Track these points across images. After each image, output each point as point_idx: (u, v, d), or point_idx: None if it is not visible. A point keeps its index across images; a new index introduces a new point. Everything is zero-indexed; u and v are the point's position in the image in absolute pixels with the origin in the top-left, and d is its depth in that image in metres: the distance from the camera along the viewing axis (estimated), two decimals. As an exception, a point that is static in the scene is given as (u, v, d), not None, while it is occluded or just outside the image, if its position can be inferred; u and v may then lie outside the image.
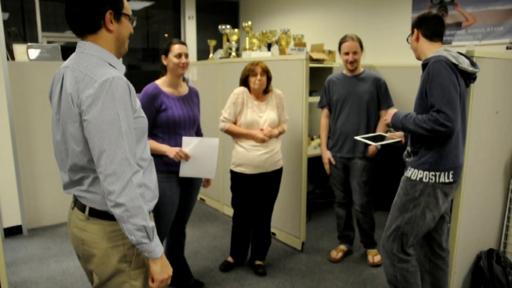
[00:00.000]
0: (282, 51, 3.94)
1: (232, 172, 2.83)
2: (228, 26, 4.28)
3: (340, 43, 2.98)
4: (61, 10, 6.10)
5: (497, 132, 2.45)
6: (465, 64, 1.93)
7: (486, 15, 4.10)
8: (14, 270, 3.06)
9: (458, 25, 4.33)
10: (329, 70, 3.98)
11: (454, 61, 1.91)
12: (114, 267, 1.38)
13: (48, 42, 5.90)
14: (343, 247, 3.28)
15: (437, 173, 1.99)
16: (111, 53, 1.36)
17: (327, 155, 3.13)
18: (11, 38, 4.14)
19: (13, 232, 3.69)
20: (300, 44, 4.02)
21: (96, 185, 1.34)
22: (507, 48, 3.65)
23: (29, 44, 3.84)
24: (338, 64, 4.03)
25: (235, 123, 2.75)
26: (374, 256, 3.14)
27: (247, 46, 4.11)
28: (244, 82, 2.77)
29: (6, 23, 3.83)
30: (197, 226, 3.93)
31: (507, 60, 2.40)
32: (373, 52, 4.47)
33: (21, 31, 5.68)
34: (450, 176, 2.00)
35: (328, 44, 4.38)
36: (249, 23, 4.16)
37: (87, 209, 1.38)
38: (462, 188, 2.22)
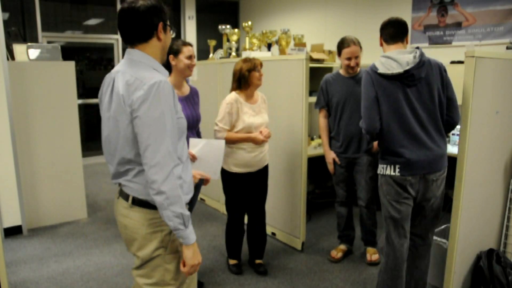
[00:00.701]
0: (282, 51, 3.94)
1: (230, 173, 2.81)
2: (228, 26, 4.28)
3: (341, 48, 2.92)
4: (61, 10, 6.11)
5: (497, 132, 2.45)
6: (386, 69, 2.11)
7: (486, 15, 4.10)
8: (14, 270, 3.06)
9: (458, 25, 4.33)
10: (329, 70, 3.98)
11: (378, 67, 2.14)
12: (152, 251, 1.53)
13: (48, 42, 5.90)
14: (343, 246, 3.28)
15: (385, 166, 2.24)
16: (156, 60, 1.51)
17: (331, 155, 3.11)
18: (11, 38, 4.14)
19: (13, 232, 3.69)
20: (300, 44, 4.02)
21: (140, 176, 1.49)
22: (507, 48, 3.65)
23: (29, 44, 3.84)
24: (338, 64, 4.03)
25: (229, 130, 2.74)
26: (372, 255, 3.15)
27: (247, 46, 4.11)
28: (244, 79, 2.70)
29: (6, 23, 3.82)
30: (197, 226, 3.93)
31: (507, 60, 2.39)
32: (373, 52, 4.46)
33: (21, 31, 5.68)
34: (397, 170, 2.18)
35: (328, 44, 4.38)
36: (249, 23, 4.16)
37: (130, 198, 1.53)
38: (462, 188, 2.22)
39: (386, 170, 2.23)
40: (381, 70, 2.13)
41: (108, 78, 1.54)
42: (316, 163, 3.81)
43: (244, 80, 2.70)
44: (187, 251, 1.48)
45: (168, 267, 1.56)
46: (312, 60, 3.71)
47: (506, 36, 3.97)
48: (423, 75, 2.12)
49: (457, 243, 2.29)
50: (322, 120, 3.15)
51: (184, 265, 1.51)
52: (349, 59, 2.91)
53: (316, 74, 3.91)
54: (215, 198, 4.42)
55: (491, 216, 2.59)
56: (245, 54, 3.92)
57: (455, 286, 2.38)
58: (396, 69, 2.10)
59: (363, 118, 2.22)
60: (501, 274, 2.43)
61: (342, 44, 2.91)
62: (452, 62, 3.93)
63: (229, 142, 2.72)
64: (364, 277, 2.95)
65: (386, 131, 2.19)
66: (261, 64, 2.73)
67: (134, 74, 1.42)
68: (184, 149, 1.55)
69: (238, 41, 4.34)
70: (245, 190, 2.88)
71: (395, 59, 2.11)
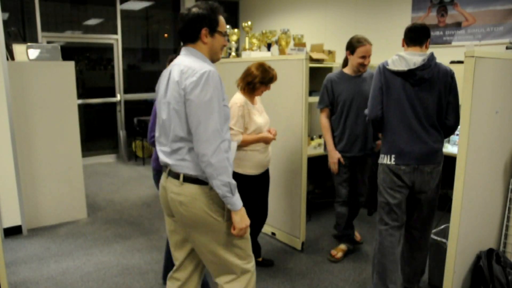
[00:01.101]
0: (281, 51, 3.94)
1: (245, 177, 2.77)
2: (228, 26, 4.28)
3: (356, 47, 2.92)
4: (60, 10, 6.11)
5: (497, 132, 2.45)
6: (394, 66, 2.35)
7: (486, 15, 4.10)
8: (13, 270, 3.06)
9: (458, 25, 4.33)
10: (329, 70, 3.99)
11: (389, 63, 2.38)
12: (212, 221, 1.74)
13: (48, 42, 5.90)
14: (343, 246, 3.28)
15: (383, 156, 2.45)
16: (206, 57, 1.77)
17: (336, 155, 3.08)
18: (11, 38, 4.14)
19: (13, 232, 3.69)
20: (299, 44, 4.02)
21: (190, 154, 1.70)
22: (507, 48, 3.65)
23: (28, 44, 3.84)
24: (338, 64, 4.03)
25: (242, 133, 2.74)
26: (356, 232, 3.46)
27: (247, 46, 4.11)
28: (252, 87, 2.70)
29: (6, 23, 3.83)
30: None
31: (506, 60, 2.39)
32: (373, 52, 4.47)
33: (20, 31, 5.68)
34: (392, 159, 2.39)
35: (328, 44, 4.38)
36: (249, 23, 4.16)
37: (181, 176, 1.73)
38: (462, 188, 2.22)
39: (383, 159, 2.44)
40: (390, 66, 2.37)
41: (166, 71, 1.81)
42: (316, 163, 3.81)
43: (252, 87, 2.71)
44: (235, 216, 1.70)
45: (227, 232, 1.77)
46: (312, 60, 3.71)
47: (505, 36, 3.98)
48: (427, 76, 2.30)
49: (457, 243, 2.29)
50: (325, 120, 3.12)
51: (234, 229, 1.73)
52: (363, 57, 2.93)
53: (316, 74, 3.91)
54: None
55: (491, 216, 2.59)
56: (245, 54, 3.92)
57: (455, 286, 2.38)
58: (402, 67, 2.32)
59: (368, 105, 2.48)
60: (501, 274, 2.43)
61: (358, 43, 2.92)
62: (452, 62, 3.94)
63: (243, 144, 2.70)
64: (364, 277, 2.95)
65: (386, 121, 2.42)
66: (276, 78, 2.74)
67: (188, 64, 1.67)
68: (228, 133, 1.75)
69: (238, 41, 4.34)
70: (256, 191, 2.88)
71: (405, 59, 2.33)
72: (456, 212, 2.25)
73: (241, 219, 1.71)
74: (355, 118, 3.00)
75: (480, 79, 2.17)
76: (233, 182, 1.65)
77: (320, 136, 4.21)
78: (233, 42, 4.23)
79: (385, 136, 2.45)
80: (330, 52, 4.14)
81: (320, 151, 3.77)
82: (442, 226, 2.84)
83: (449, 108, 2.36)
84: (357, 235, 3.46)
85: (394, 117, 2.38)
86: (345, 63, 3.09)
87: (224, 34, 1.80)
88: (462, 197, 2.23)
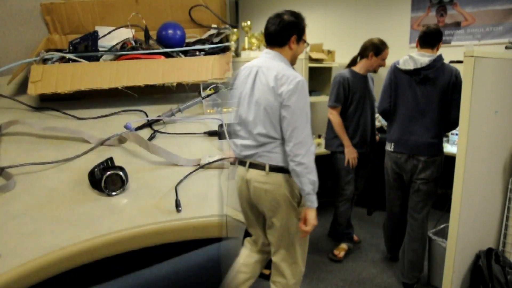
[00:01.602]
0: (281, 51, 3.94)
1: None
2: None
3: (382, 49, 2.98)
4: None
5: (497, 132, 2.46)
6: (404, 65, 2.58)
7: (485, 15, 4.10)
8: (14, 270, 3.06)
9: (457, 25, 4.34)
10: (328, 70, 3.99)
11: (400, 62, 2.61)
12: (290, 206, 1.94)
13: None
14: (344, 246, 3.28)
15: (387, 143, 2.76)
16: (288, 62, 1.92)
17: (355, 151, 3.07)
18: (11, 38, 4.13)
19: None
20: (299, 44, 4.02)
21: (279, 147, 1.86)
22: (506, 47, 3.65)
23: (28, 44, 3.83)
24: (337, 64, 4.04)
25: None
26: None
27: (246, 46, 4.11)
28: None
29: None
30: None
31: (506, 60, 2.40)
32: (372, 52, 4.47)
33: (20, 31, 5.67)
34: (392, 146, 2.70)
35: (328, 44, 4.38)
36: (249, 23, 4.16)
37: (267, 166, 1.88)
38: (461, 188, 2.23)
39: (387, 146, 2.76)
40: (401, 65, 2.60)
41: (246, 69, 1.94)
42: (315, 163, 3.80)
43: None
44: (311, 213, 1.88)
45: (298, 217, 1.96)
46: (311, 59, 3.71)
47: (505, 36, 3.98)
48: (431, 76, 2.49)
49: (456, 243, 2.29)
50: (338, 118, 3.06)
51: (306, 225, 1.87)
52: (384, 59, 3.03)
53: (315, 74, 3.91)
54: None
55: (490, 215, 2.60)
56: (244, 54, 3.92)
57: (454, 285, 2.38)
58: (410, 66, 2.55)
59: (378, 99, 2.79)
60: (500, 273, 2.44)
61: (383, 45, 3.01)
62: (451, 62, 3.94)
63: None
64: (364, 277, 2.95)
65: (392, 114, 2.72)
66: None
67: (281, 71, 1.81)
68: None
69: (237, 41, 4.34)
70: None
71: (414, 59, 2.53)
72: (455, 212, 2.26)
73: (315, 216, 1.88)
74: (366, 115, 3.08)
75: (480, 79, 2.17)
76: (317, 181, 1.86)
77: (319, 136, 4.20)
78: (232, 42, 4.22)
79: (390, 126, 2.75)
80: (329, 52, 4.14)
81: (320, 150, 3.77)
82: (441, 226, 2.85)
83: (453, 104, 2.49)
84: (354, 236, 3.48)
85: (399, 111, 2.65)
86: (353, 62, 3.12)
87: (305, 42, 1.95)
88: (461, 196, 2.24)
